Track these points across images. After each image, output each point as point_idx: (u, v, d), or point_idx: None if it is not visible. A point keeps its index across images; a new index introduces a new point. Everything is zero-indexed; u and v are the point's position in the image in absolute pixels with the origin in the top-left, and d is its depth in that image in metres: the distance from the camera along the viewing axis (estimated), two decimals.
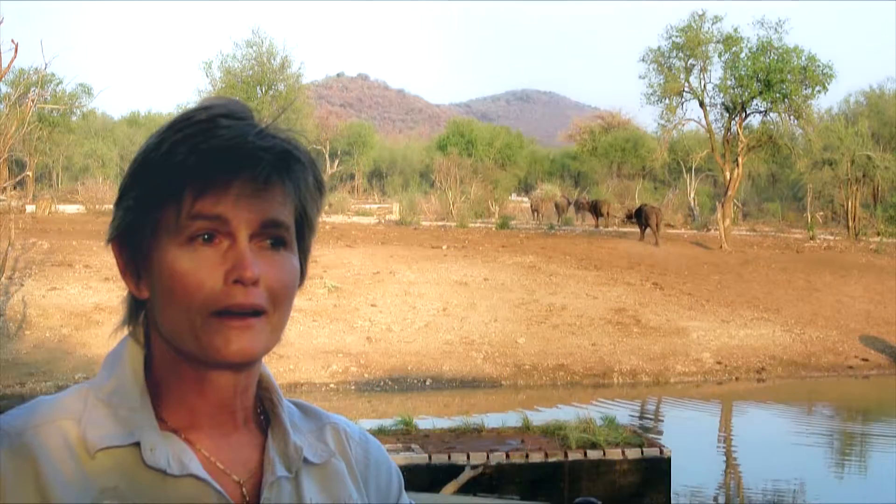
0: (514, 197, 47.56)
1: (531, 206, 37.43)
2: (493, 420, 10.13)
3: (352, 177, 61.25)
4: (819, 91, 25.41)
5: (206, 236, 0.88)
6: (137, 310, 0.95)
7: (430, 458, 7.93)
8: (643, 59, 27.24)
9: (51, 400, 0.91)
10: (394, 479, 1.07)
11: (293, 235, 0.93)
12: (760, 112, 26.53)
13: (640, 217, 26.05)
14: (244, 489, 0.92)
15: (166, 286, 0.88)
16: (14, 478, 0.84)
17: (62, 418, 0.88)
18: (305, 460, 0.97)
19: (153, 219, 0.89)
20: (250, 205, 0.88)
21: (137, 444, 0.88)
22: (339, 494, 0.98)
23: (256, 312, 0.88)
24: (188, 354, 0.90)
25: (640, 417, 13.11)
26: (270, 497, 0.92)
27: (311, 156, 0.95)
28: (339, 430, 1.04)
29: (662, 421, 13.25)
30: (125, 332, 0.96)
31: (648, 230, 25.42)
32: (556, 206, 36.22)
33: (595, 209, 32.09)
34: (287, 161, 0.91)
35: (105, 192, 33.36)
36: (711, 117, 27.22)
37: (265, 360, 1.00)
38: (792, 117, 25.97)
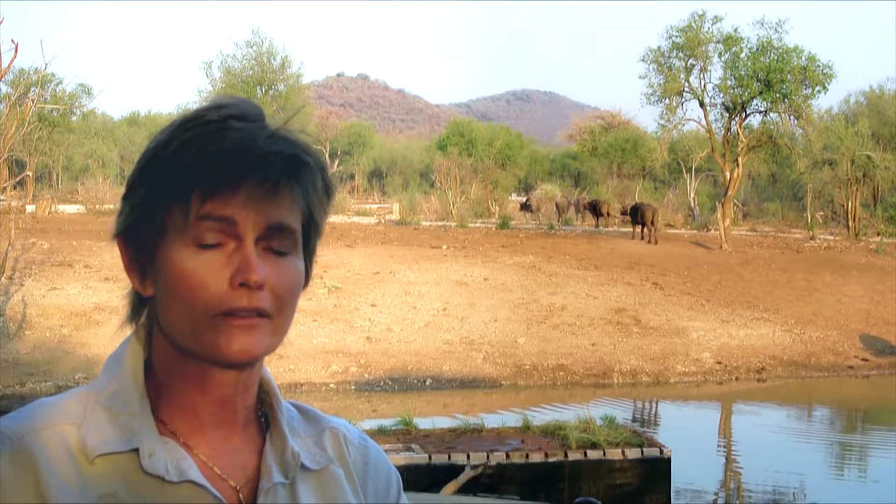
0: (514, 197, 47.45)
1: (531, 205, 37.25)
2: (493, 420, 10.13)
3: (352, 177, 61.23)
4: (819, 91, 25.40)
5: (212, 238, 0.88)
6: (140, 307, 0.95)
7: (430, 458, 7.93)
8: (643, 59, 27.24)
9: (51, 402, 0.91)
10: (393, 483, 1.07)
11: (299, 239, 0.93)
12: (760, 112, 26.53)
13: (635, 215, 26.04)
14: (241, 494, 0.93)
15: (171, 286, 0.88)
16: (14, 480, 0.84)
17: (62, 422, 0.89)
18: (303, 466, 0.97)
19: (160, 218, 0.89)
20: (258, 208, 0.88)
21: (136, 450, 0.88)
22: (335, 500, 0.99)
23: (260, 314, 0.88)
24: (191, 352, 0.90)
25: (640, 417, 13.11)
26: (266, 503, 0.93)
27: (321, 159, 0.95)
28: (339, 434, 1.04)
29: (662, 421, 13.26)
30: (128, 331, 0.96)
31: (645, 229, 25.43)
32: (557, 206, 36.16)
33: (595, 209, 32.07)
34: (296, 165, 0.91)
35: (105, 192, 33.35)
36: (711, 117, 27.23)
37: (265, 361, 1.00)
38: (792, 117, 25.96)
